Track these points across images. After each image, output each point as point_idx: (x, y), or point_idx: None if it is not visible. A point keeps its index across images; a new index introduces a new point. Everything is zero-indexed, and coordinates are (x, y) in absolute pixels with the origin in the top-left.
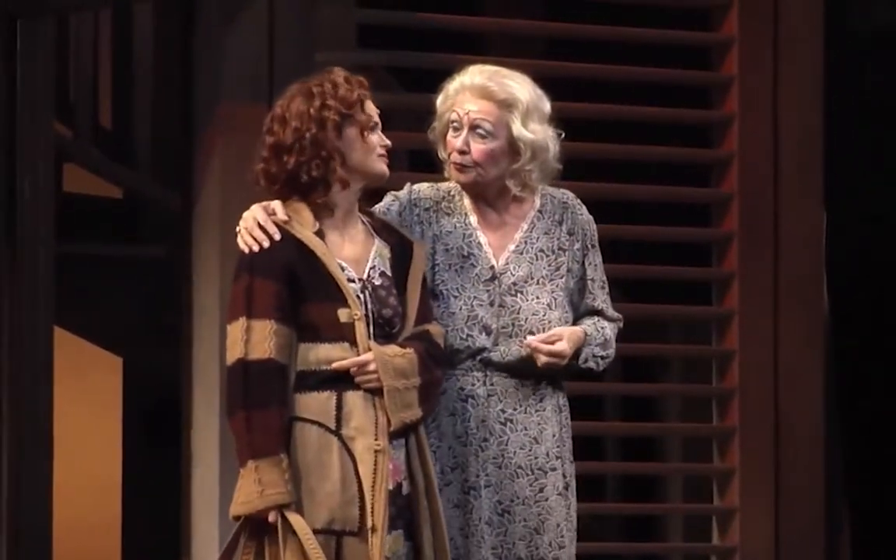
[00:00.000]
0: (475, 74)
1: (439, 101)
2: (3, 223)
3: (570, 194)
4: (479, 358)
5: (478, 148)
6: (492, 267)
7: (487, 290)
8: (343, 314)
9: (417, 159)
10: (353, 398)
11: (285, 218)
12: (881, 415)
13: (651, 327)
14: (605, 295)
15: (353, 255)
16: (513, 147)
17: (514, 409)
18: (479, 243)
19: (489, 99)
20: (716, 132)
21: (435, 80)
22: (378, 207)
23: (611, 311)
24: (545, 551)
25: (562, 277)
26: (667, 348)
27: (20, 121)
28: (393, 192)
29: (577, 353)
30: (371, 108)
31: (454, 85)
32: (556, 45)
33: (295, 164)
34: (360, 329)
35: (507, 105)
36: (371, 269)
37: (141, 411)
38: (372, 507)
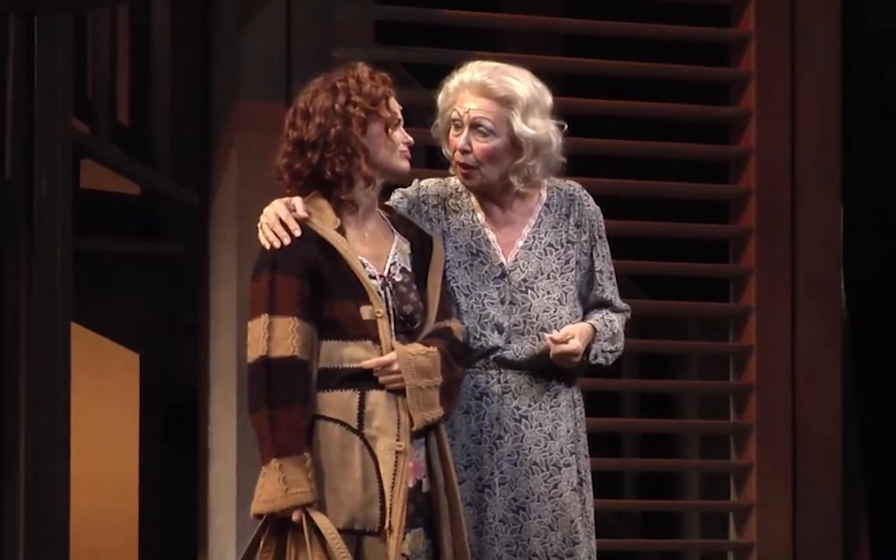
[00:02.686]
0: (474, 71)
1: (440, 98)
2: (22, 219)
3: (577, 186)
4: (492, 357)
5: (479, 147)
6: (501, 264)
7: (497, 288)
8: (365, 311)
9: (435, 156)
10: (376, 397)
11: (305, 214)
12: None
13: (668, 323)
14: (612, 286)
15: (373, 251)
16: (515, 144)
17: (529, 406)
18: (487, 240)
19: (488, 96)
20: (733, 128)
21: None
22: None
23: (619, 303)
24: (559, 547)
25: (571, 271)
26: (684, 345)
27: (38, 117)
28: (401, 190)
29: (587, 349)
30: (394, 105)
31: (453, 83)
32: (574, 42)
33: (318, 160)
34: (383, 327)
35: (506, 102)
36: (391, 265)
37: (158, 407)
38: (390, 508)
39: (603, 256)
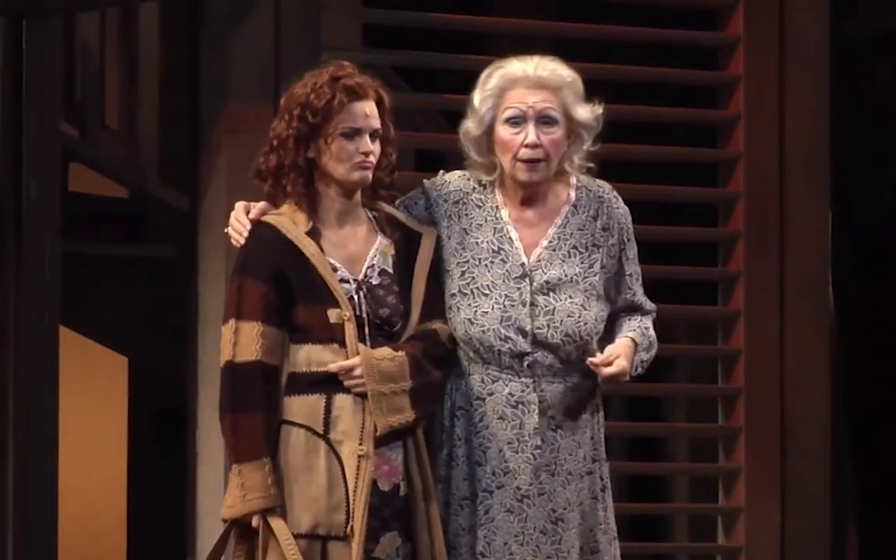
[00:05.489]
0: (525, 66)
1: (477, 101)
2: (10, 222)
3: (607, 186)
4: (524, 362)
5: (549, 138)
6: (522, 264)
7: (518, 288)
8: (333, 315)
9: (424, 159)
10: (342, 401)
11: (259, 213)
12: (888, 414)
13: (657, 327)
14: (640, 288)
15: (349, 254)
16: (569, 131)
17: (563, 416)
18: (510, 238)
19: (544, 87)
20: (721, 132)
21: (442, 79)
22: (403, 201)
23: (647, 304)
24: (575, 556)
25: (595, 275)
26: (672, 348)
27: (27, 120)
28: (423, 183)
29: None
30: (350, 115)
31: (495, 81)
32: (563, 45)
33: (276, 163)
34: (349, 330)
35: (560, 89)
36: (369, 268)
37: (147, 411)
38: (352, 512)
39: (631, 259)
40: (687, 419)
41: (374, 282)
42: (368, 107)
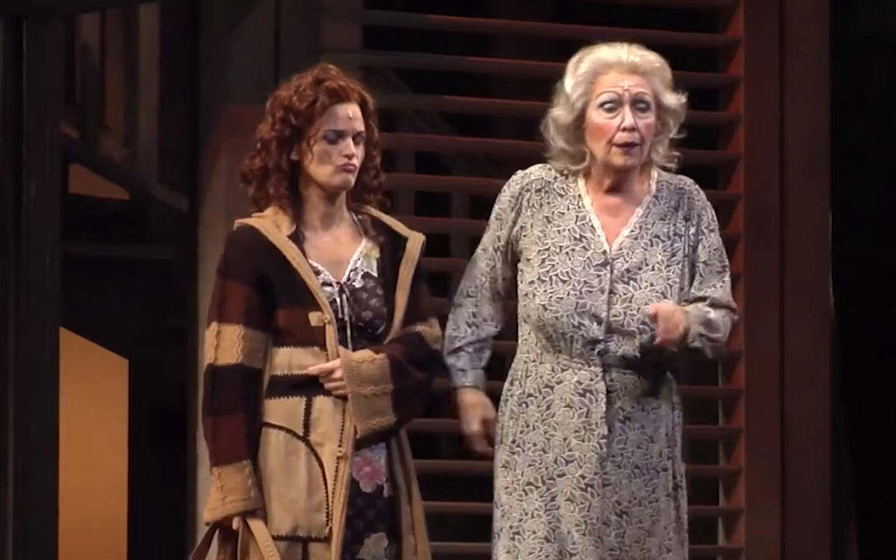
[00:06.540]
0: (617, 51)
1: (568, 87)
2: (10, 224)
3: (688, 180)
4: (595, 350)
5: (643, 123)
6: (604, 252)
7: (598, 276)
8: (313, 318)
9: (424, 160)
10: (322, 403)
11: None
12: (888, 414)
13: None
14: (720, 282)
15: (332, 257)
16: (659, 118)
17: (633, 408)
18: (592, 226)
19: (636, 72)
20: (722, 133)
21: (442, 81)
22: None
23: (724, 299)
24: (655, 553)
25: (678, 264)
26: None
27: (27, 122)
28: (504, 187)
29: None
30: (332, 118)
31: (587, 66)
32: (563, 47)
33: (261, 165)
34: (330, 333)
35: (652, 76)
36: (352, 271)
37: (146, 412)
38: (331, 514)
39: (710, 250)
40: (687, 420)
41: (357, 285)
42: (351, 109)
